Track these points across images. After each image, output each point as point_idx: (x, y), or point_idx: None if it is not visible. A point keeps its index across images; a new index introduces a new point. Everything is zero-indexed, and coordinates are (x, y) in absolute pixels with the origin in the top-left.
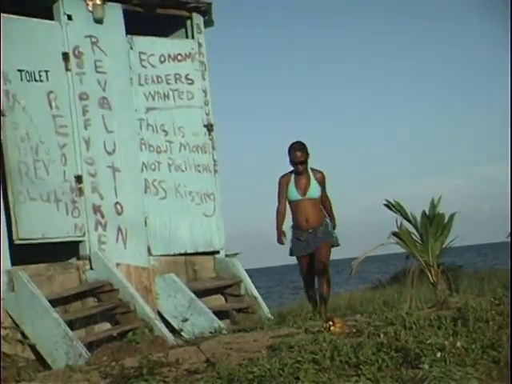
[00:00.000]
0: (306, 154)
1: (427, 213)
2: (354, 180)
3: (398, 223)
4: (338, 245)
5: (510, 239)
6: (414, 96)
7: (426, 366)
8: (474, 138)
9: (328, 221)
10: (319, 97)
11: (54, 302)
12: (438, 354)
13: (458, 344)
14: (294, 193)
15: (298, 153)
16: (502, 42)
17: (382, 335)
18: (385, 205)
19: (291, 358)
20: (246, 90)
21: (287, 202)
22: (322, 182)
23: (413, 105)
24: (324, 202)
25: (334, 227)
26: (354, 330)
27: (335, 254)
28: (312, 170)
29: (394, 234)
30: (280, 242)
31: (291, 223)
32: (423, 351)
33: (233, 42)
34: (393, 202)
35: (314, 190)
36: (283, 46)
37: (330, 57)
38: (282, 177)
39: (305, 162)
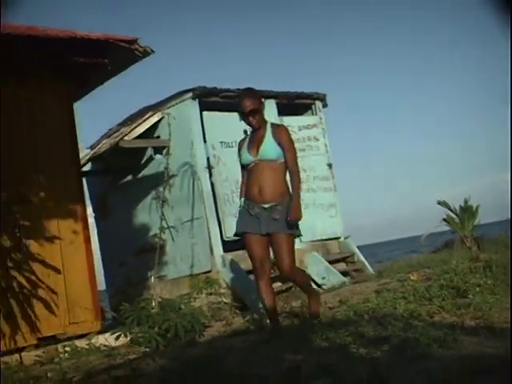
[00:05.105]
0: (258, 103)
1: (463, 206)
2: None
3: (446, 213)
4: (299, 235)
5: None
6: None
7: (471, 296)
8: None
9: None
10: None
11: (247, 272)
12: (477, 289)
13: (488, 282)
14: (245, 155)
15: (247, 101)
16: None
17: (442, 280)
18: (437, 203)
19: (389, 296)
20: (352, 141)
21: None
22: (283, 141)
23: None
24: (289, 171)
25: (292, 208)
26: (425, 278)
27: (413, 229)
28: (273, 125)
29: (444, 219)
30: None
31: None
32: (468, 288)
33: (336, 115)
34: (441, 201)
35: (269, 149)
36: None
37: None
38: (239, 143)
39: (257, 113)
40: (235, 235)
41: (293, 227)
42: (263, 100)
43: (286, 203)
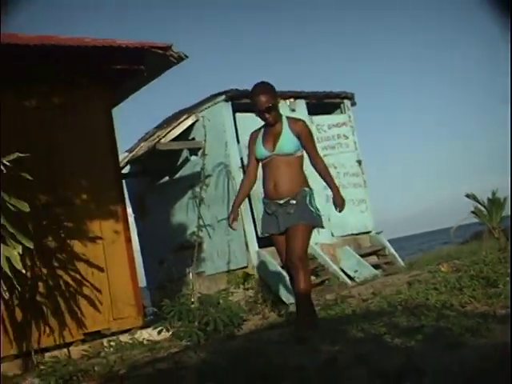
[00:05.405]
0: (274, 98)
1: (491, 198)
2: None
3: (474, 205)
4: (321, 226)
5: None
6: None
7: (501, 286)
8: None
9: (307, 191)
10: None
11: (282, 267)
12: (507, 278)
13: None
14: (260, 149)
15: (263, 97)
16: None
17: (472, 270)
18: (465, 195)
19: (421, 288)
20: (381, 138)
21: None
22: (302, 134)
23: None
24: (314, 163)
25: (335, 200)
26: (455, 269)
27: (439, 222)
28: (289, 118)
29: (473, 211)
30: (229, 224)
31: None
32: (498, 277)
33: (367, 113)
34: (470, 194)
35: (287, 143)
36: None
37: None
38: (252, 134)
39: (274, 109)
40: (261, 234)
41: (310, 218)
42: (294, 100)
43: (301, 197)
